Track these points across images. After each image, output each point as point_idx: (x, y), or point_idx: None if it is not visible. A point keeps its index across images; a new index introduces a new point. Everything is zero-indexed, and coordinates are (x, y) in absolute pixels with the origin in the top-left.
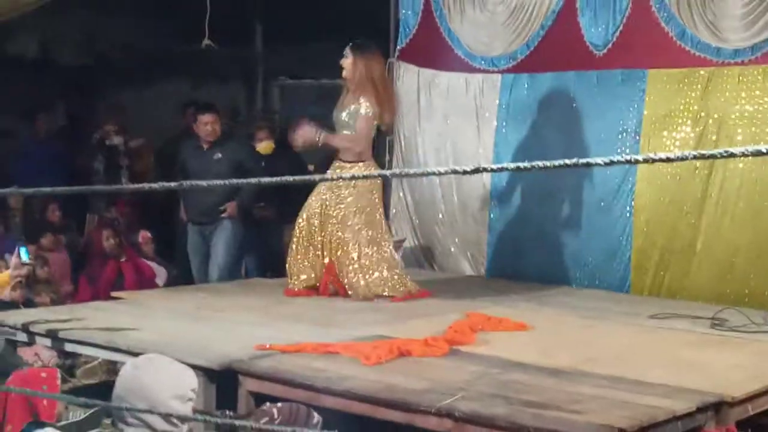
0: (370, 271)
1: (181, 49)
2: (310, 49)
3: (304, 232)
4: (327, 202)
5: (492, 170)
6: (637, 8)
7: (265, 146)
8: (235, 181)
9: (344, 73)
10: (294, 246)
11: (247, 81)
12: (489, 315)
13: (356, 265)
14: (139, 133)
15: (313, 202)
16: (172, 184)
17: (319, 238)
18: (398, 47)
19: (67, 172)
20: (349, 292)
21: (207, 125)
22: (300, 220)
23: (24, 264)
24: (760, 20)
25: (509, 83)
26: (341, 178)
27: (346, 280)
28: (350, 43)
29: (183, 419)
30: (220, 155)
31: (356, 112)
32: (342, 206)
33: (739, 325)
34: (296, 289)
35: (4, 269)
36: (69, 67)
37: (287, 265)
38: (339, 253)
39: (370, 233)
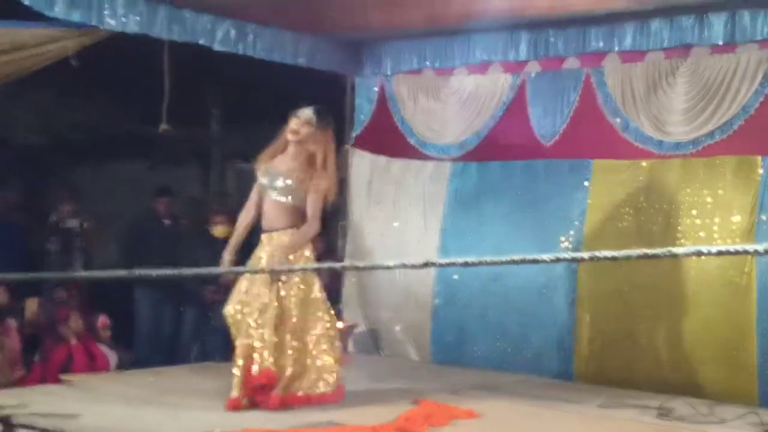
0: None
1: (138, 130)
2: (265, 134)
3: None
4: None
5: (440, 265)
6: (584, 102)
7: (221, 230)
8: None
9: (297, 137)
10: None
11: (203, 164)
12: (438, 403)
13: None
14: (94, 213)
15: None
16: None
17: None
18: (353, 134)
19: (21, 252)
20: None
21: None
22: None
23: None
24: (701, 115)
25: (458, 171)
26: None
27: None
28: (318, 108)
29: None
30: None
31: (314, 186)
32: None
33: (686, 415)
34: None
35: None
36: (25, 146)
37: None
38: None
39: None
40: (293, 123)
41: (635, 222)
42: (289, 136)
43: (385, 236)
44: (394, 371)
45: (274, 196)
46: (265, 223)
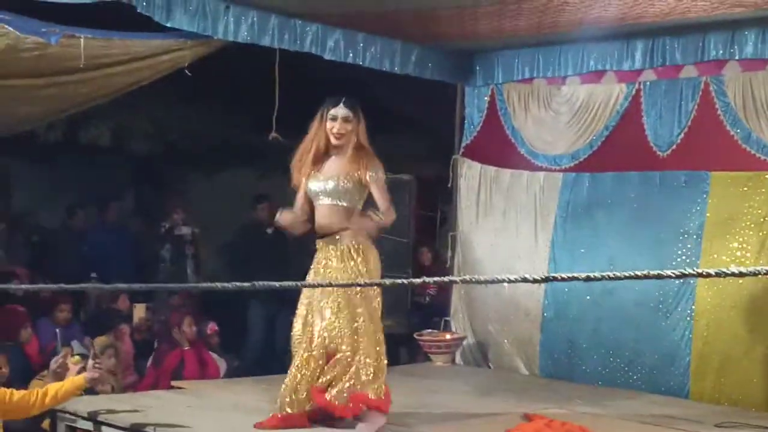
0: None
1: (249, 140)
2: (376, 143)
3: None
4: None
5: (562, 279)
6: (702, 111)
7: None
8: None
9: (342, 140)
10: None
11: None
12: (550, 418)
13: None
14: (205, 222)
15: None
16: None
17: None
18: (463, 144)
19: (136, 258)
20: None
21: None
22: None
23: (96, 367)
24: None
25: (570, 182)
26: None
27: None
28: (346, 101)
29: None
30: None
31: (372, 178)
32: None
33: None
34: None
35: (70, 356)
36: (139, 155)
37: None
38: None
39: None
40: (334, 127)
41: (756, 237)
42: (335, 141)
43: (494, 247)
44: (502, 384)
45: (328, 200)
46: (321, 230)
